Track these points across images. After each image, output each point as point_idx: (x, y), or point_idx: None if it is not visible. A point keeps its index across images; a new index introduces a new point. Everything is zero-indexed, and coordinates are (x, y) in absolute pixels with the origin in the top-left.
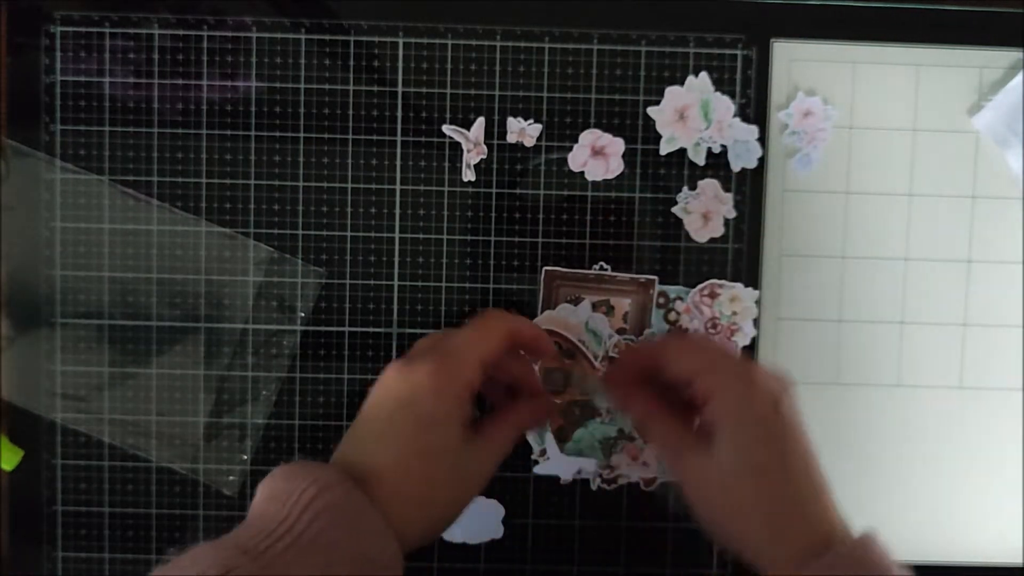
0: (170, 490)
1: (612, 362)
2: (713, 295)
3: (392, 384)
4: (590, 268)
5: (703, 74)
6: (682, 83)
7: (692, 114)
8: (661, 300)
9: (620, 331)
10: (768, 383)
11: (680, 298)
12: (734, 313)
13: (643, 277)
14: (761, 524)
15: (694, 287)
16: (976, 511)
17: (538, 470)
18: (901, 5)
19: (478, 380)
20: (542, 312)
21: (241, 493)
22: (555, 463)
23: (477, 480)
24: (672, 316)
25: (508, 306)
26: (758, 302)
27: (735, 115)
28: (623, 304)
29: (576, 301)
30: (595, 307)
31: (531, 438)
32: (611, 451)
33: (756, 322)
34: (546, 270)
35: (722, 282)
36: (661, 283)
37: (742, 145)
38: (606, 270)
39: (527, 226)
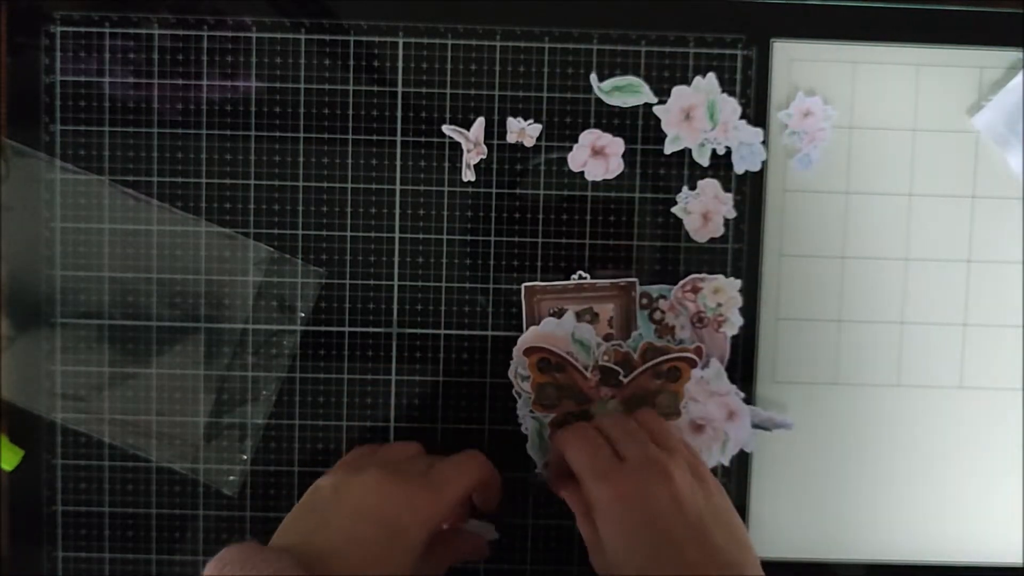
0: (170, 490)
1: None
2: (695, 289)
3: (378, 498)
4: (569, 278)
5: (711, 75)
6: (682, 83)
7: (698, 114)
8: (644, 301)
9: (607, 337)
10: (635, 485)
11: (663, 296)
12: (719, 305)
13: (623, 280)
14: None
15: (675, 284)
16: (976, 511)
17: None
18: (901, 5)
19: (450, 515)
20: (527, 328)
21: (241, 493)
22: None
23: None
24: (657, 315)
25: (508, 307)
26: (741, 291)
27: (740, 117)
28: (607, 310)
29: (559, 313)
30: (579, 317)
31: (533, 452)
32: None
33: (742, 311)
34: (525, 286)
35: (703, 275)
36: (660, 283)
37: (747, 147)
38: (585, 278)
39: (527, 226)
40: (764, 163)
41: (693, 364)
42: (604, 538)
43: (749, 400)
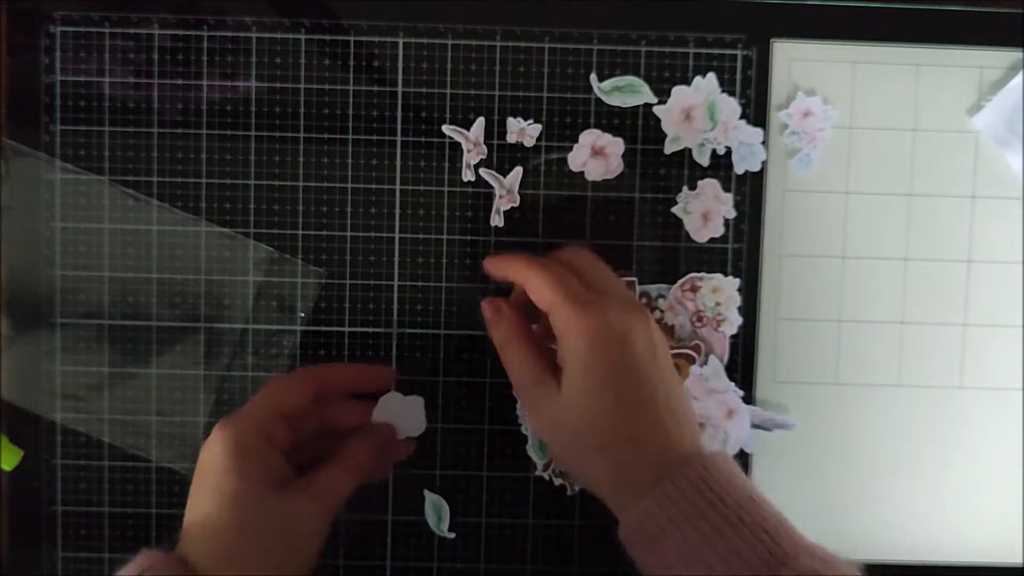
0: (170, 490)
1: (497, 257)
2: (694, 288)
3: (201, 454)
4: None
5: (711, 75)
6: (682, 83)
7: (698, 115)
8: (643, 300)
9: None
10: (619, 319)
11: (662, 296)
12: (717, 304)
13: (623, 280)
14: (607, 465)
15: (675, 283)
16: (976, 511)
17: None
18: (901, 5)
19: (280, 433)
20: None
21: None
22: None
23: (303, 531)
24: (656, 315)
25: None
26: (740, 290)
27: (740, 117)
28: None
29: None
30: None
31: (533, 452)
32: None
33: (742, 311)
34: None
35: (701, 274)
36: (660, 283)
37: (747, 148)
38: None
39: (527, 226)
40: (764, 163)
41: (692, 361)
42: (569, 376)
43: (749, 400)
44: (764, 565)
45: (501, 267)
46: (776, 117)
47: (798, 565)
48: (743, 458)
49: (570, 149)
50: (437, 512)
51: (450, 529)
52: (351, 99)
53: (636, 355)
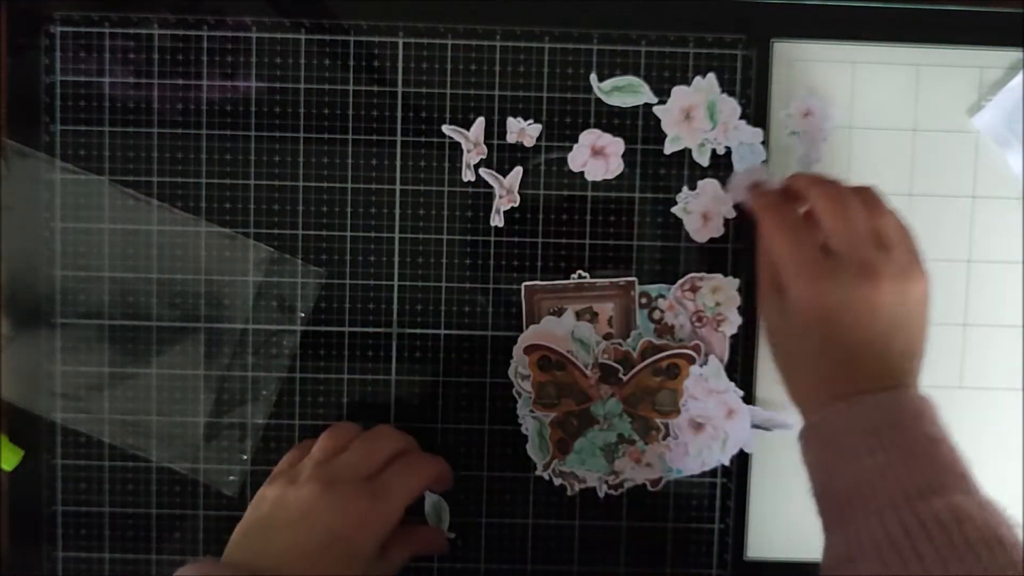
0: (170, 490)
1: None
2: (694, 288)
3: (321, 512)
4: (569, 278)
5: (711, 75)
6: (682, 83)
7: (698, 115)
8: (643, 300)
9: (607, 336)
10: (843, 288)
11: (663, 296)
12: (717, 304)
13: (622, 280)
14: (815, 367)
15: (675, 283)
16: None
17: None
18: (901, 5)
19: (400, 518)
20: (527, 327)
21: (241, 493)
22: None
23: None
24: (656, 315)
25: (508, 307)
26: (740, 290)
27: (740, 117)
28: (606, 309)
29: (559, 312)
30: (579, 316)
31: (533, 452)
32: (613, 457)
33: (742, 311)
34: (525, 285)
35: (701, 274)
36: (660, 283)
37: (747, 148)
38: (585, 278)
39: (527, 226)
40: (764, 163)
41: (692, 361)
42: (787, 326)
43: (749, 400)
44: (916, 489)
45: (752, 199)
46: (776, 117)
47: (950, 500)
48: (743, 458)
49: (570, 149)
50: (437, 512)
51: (450, 529)
52: (351, 99)
53: (853, 321)
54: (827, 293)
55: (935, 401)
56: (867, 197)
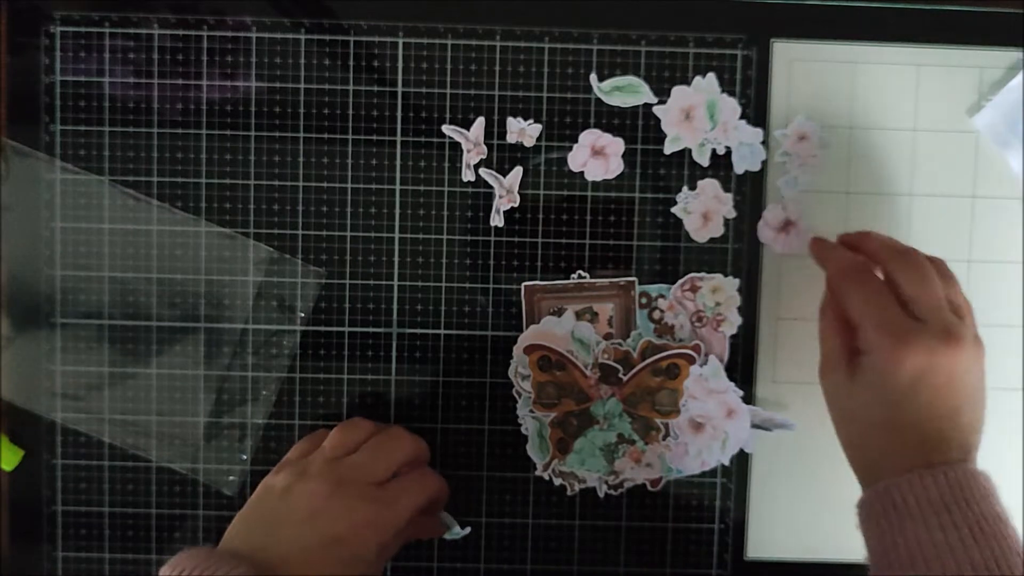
0: (170, 490)
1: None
2: (694, 288)
3: (327, 511)
4: (569, 278)
5: (711, 75)
6: (682, 83)
7: (698, 115)
8: (643, 300)
9: (607, 336)
10: (930, 353)
11: (663, 296)
12: (717, 304)
13: (622, 279)
14: (881, 445)
15: (675, 283)
16: None
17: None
18: (901, 5)
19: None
20: (527, 327)
21: (241, 493)
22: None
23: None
24: (656, 315)
25: (508, 307)
26: (740, 290)
27: (740, 117)
28: (606, 309)
29: (559, 312)
30: (579, 316)
31: (533, 452)
32: (613, 457)
33: (742, 311)
34: (525, 285)
35: (701, 274)
36: (660, 283)
37: (747, 148)
38: (584, 278)
39: (527, 226)
40: (764, 163)
41: (692, 361)
42: (863, 390)
43: (749, 400)
44: (985, 568)
45: (825, 259)
46: (772, 135)
47: None
48: (743, 458)
49: (570, 149)
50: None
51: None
52: (351, 99)
53: (933, 385)
54: (914, 356)
55: (994, 480)
56: (940, 268)
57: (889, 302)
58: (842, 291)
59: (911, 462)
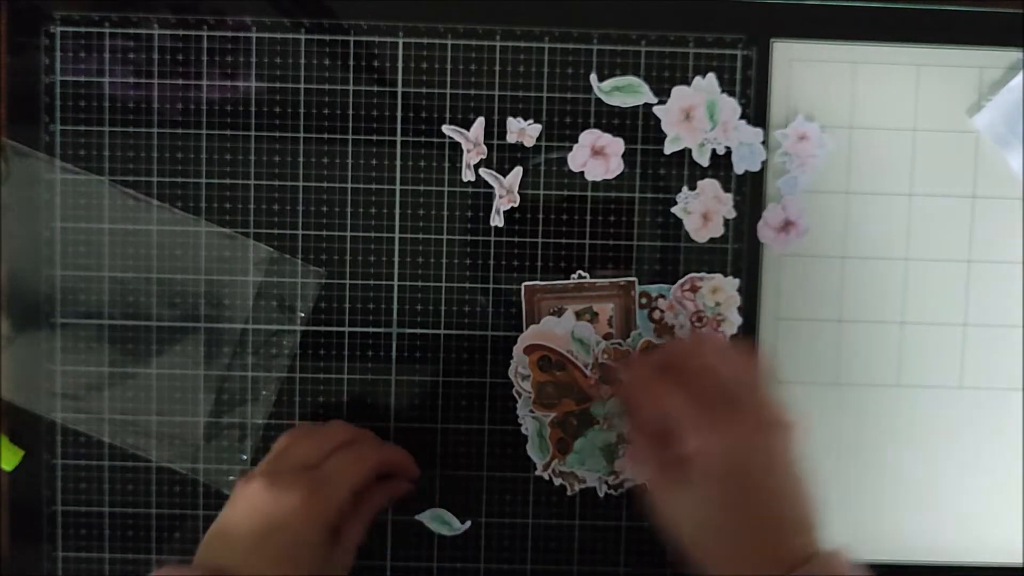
0: (170, 490)
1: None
2: (694, 288)
3: (262, 503)
4: (569, 278)
5: (711, 75)
6: (682, 83)
7: (698, 115)
8: (644, 300)
9: (607, 336)
10: (746, 433)
11: (663, 296)
12: (717, 304)
13: (623, 280)
14: (725, 557)
15: (675, 283)
16: (976, 511)
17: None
18: (901, 5)
19: (347, 505)
20: (527, 327)
21: None
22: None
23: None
24: (656, 315)
25: (508, 307)
26: (740, 290)
27: (740, 117)
28: (606, 309)
29: (559, 312)
30: (579, 316)
31: (533, 452)
32: (613, 456)
33: (742, 311)
34: (525, 285)
35: (701, 274)
36: (660, 283)
37: (747, 148)
38: (585, 278)
39: (527, 226)
40: (764, 163)
41: None
42: (697, 491)
43: None
44: None
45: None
46: (774, 120)
47: None
48: None
49: (570, 149)
50: (439, 517)
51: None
52: (351, 99)
53: (761, 463)
54: (737, 437)
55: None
56: (730, 348)
57: (702, 391)
58: (643, 400)
59: (769, 563)
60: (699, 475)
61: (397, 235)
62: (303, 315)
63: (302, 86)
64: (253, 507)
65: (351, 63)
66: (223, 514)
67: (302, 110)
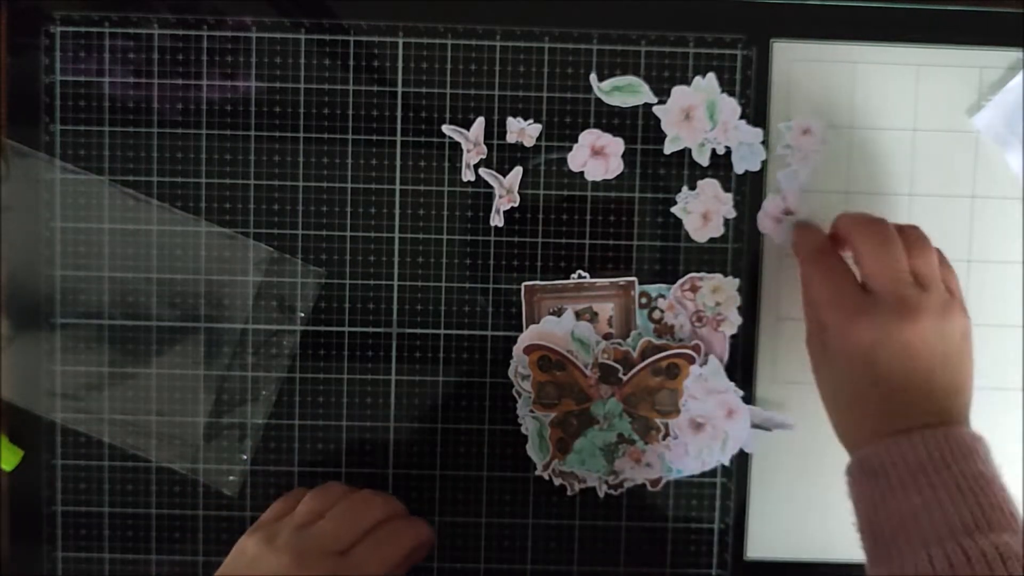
0: (170, 490)
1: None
2: (694, 288)
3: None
4: (569, 277)
5: (711, 75)
6: (682, 83)
7: (698, 115)
8: (643, 300)
9: (607, 336)
10: (879, 326)
11: (662, 295)
12: (717, 304)
13: (622, 279)
14: (864, 406)
15: (675, 283)
16: None
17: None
18: (901, 5)
19: None
20: (527, 327)
21: (241, 493)
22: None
23: None
24: (656, 315)
25: (508, 307)
26: (740, 290)
27: (740, 117)
28: (606, 309)
29: (559, 312)
30: (579, 316)
31: (533, 452)
32: (613, 457)
33: (742, 311)
34: (525, 285)
35: (701, 274)
36: (658, 283)
37: (747, 148)
38: (584, 278)
39: (527, 226)
40: (764, 163)
41: (692, 360)
42: (830, 363)
43: (749, 400)
44: (964, 526)
45: (796, 242)
46: (775, 123)
47: (997, 538)
48: (743, 458)
49: (570, 149)
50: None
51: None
52: (351, 99)
53: (889, 357)
54: (864, 331)
55: (986, 440)
56: (910, 237)
57: (843, 279)
58: (805, 272)
59: (888, 427)
60: (832, 352)
61: (397, 235)
62: (303, 315)
63: (302, 86)
64: None
65: (351, 63)
66: (236, 569)
67: (302, 110)
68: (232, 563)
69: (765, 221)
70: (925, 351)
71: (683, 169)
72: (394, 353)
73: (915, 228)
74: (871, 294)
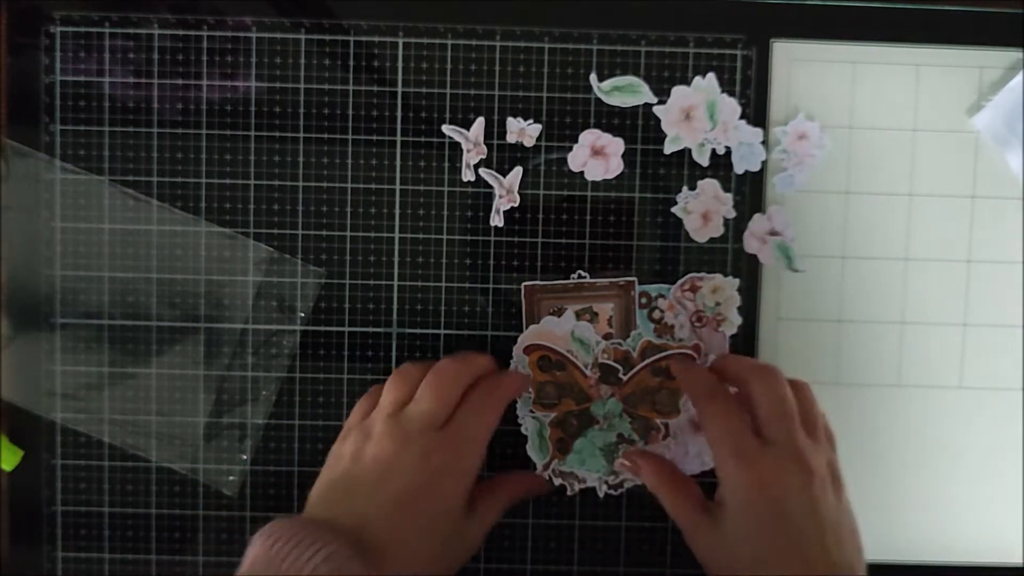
0: (170, 490)
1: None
2: (694, 288)
3: (400, 470)
4: (569, 277)
5: (711, 75)
6: (682, 83)
7: (698, 115)
8: (643, 300)
9: (607, 336)
10: (781, 475)
11: (662, 296)
12: (717, 304)
13: (622, 279)
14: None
15: (675, 283)
16: (976, 511)
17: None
18: (901, 5)
19: (483, 459)
20: (527, 327)
21: (241, 493)
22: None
23: (470, 550)
24: (656, 315)
25: (508, 307)
26: (740, 290)
27: (740, 117)
28: (606, 309)
29: (559, 312)
30: (579, 316)
31: (533, 452)
32: (613, 457)
33: (742, 311)
34: (525, 285)
35: (701, 274)
36: (658, 283)
37: (747, 148)
38: (584, 278)
39: (527, 226)
40: (764, 163)
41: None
42: (726, 520)
43: None
44: None
45: (684, 382)
46: (775, 120)
47: None
48: None
49: (570, 149)
50: None
51: None
52: (351, 99)
53: (793, 508)
54: (765, 475)
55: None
56: (801, 394)
57: (742, 427)
58: (706, 421)
59: None
60: (729, 510)
61: (397, 235)
62: (303, 315)
63: (302, 86)
64: (385, 471)
65: (351, 63)
66: (339, 470)
67: (302, 110)
68: (331, 470)
69: (751, 241)
70: (824, 500)
71: (683, 169)
72: (394, 353)
73: (806, 385)
74: (768, 443)
